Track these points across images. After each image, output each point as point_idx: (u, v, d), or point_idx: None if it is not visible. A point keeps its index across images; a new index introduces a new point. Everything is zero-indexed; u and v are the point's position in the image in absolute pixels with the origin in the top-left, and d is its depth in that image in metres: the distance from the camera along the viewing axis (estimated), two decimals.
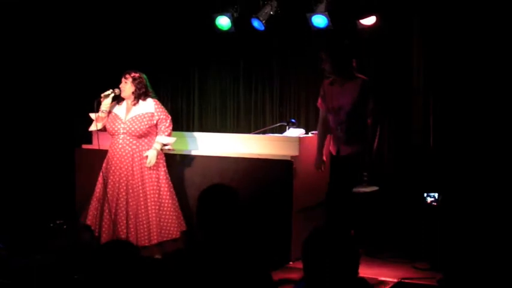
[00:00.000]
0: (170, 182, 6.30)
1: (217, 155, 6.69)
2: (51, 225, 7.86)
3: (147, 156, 6.15)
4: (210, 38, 8.06)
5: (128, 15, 8.04)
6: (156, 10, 7.99)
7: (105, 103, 6.19)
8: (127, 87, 6.17)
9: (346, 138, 6.07)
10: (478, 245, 5.55)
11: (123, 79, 6.18)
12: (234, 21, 7.45)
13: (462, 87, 6.48)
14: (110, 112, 6.26)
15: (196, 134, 7.08)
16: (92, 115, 6.28)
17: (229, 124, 8.31)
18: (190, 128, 8.29)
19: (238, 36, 7.78)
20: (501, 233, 5.67)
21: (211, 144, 6.86)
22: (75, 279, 5.54)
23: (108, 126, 6.23)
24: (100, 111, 6.22)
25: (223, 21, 7.39)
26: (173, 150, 6.45)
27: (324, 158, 6.32)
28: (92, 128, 6.37)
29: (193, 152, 6.78)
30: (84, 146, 7.46)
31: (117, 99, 6.26)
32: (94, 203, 6.25)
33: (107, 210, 6.15)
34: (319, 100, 6.28)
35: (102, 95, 6.18)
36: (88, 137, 7.48)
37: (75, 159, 7.44)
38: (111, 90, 6.19)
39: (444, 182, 6.31)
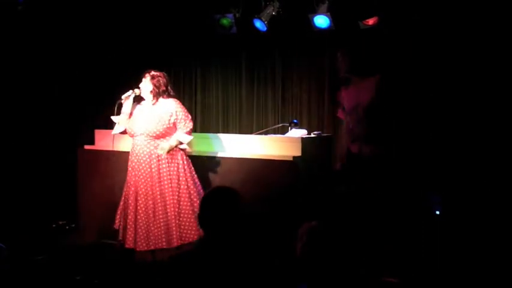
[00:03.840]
0: (193, 184, 6.15)
1: (219, 156, 6.67)
2: (54, 225, 7.90)
3: (161, 155, 6.04)
4: (212, 38, 8.05)
5: (131, 17, 8.03)
6: (159, 11, 7.97)
7: (127, 105, 6.10)
8: (146, 86, 6.05)
9: (367, 136, 5.98)
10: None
11: (142, 77, 6.08)
12: (236, 22, 7.49)
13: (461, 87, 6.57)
14: (131, 114, 6.16)
15: (198, 135, 7.01)
16: (114, 118, 6.20)
17: (231, 125, 8.30)
18: (193, 129, 8.01)
19: (240, 37, 7.79)
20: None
21: (213, 145, 6.86)
22: (76, 280, 5.56)
23: (127, 128, 6.13)
24: (122, 113, 6.12)
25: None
26: (190, 151, 6.31)
27: (342, 159, 6.29)
28: (115, 131, 6.23)
29: (195, 153, 6.70)
30: (87, 147, 7.45)
31: (138, 99, 6.16)
32: (121, 205, 6.20)
33: (130, 213, 6.07)
34: (339, 111, 6.27)
35: (123, 97, 6.08)
36: (90, 137, 7.48)
37: (78, 160, 7.44)
38: (131, 91, 6.09)
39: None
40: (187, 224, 6.03)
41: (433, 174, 6.61)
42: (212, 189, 3.52)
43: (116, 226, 6.20)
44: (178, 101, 6.15)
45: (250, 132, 7.58)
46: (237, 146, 6.75)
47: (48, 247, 6.84)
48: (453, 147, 6.61)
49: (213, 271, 3.24)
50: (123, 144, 6.68)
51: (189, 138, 6.09)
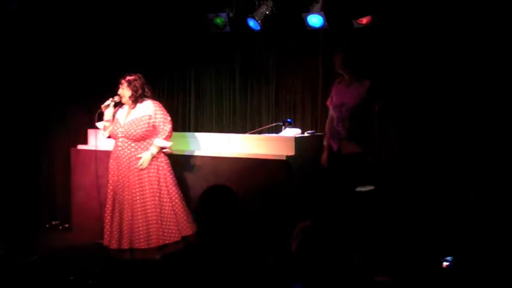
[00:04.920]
0: (173, 184, 6.18)
1: (212, 155, 6.66)
2: (47, 225, 7.92)
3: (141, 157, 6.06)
4: (205, 38, 8.00)
5: (123, 16, 7.96)
6: (152, 10, 7.91)
7: (107, 113, 6.16)
8: (124, 92, 6.10)
9: (347, 136, 6.05)
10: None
11: (119, 85, 6.11)
12: (229, 21, 7.46)
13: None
14: (113, 117, 6.22)
15: (192, 134, 7.03)
16: (99, 124, 6.29)
17: (225, 124, 8.24)
18: (186, 128, 8.22)
19: (234, 36, 7.74)
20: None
21: (207, 144, 6.84)
22: (70, 280, 5.56)
23: (110, 131, 6.20)
24: (104, 121, 6.18)
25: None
26: (171, 152, 6.30)
27: (325, 155, 6.31)
28: (103, 136, 6.35)
29: (189, 152, 6.74)
30: (80, 147, 7.44)
31: (120, 104, 6.21)
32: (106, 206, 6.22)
33: (109, 213, 6.16)
34: (329, 99, 6.32)
35: (102, 106, 6.14)
36: (84, 137, 7.46)
37: (71, 160, 7.42)
38: (110, 99, 6.14)
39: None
40: (168, 224, 6.04)
41: (418, 178, 6.67)
42: (209, 187, 3.61)
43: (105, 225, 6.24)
44: (156, 102, 6.17)
45: (245, 132, 7.53)
46: (230, 146, 6.75)
47: (42, 247, 6.86)
48: (441, 151, 6.63)
49: (208, 269, 3.28)
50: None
51: (168, 144, 6.12)
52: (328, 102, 6.32)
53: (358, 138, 6.02)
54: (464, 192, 6.29)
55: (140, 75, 6.15)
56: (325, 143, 6.30)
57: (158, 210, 6.02)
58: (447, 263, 5.42)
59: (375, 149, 6.04)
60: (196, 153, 6.74)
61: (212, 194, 3.57)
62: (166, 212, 6.05)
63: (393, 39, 6.89)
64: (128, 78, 6.09)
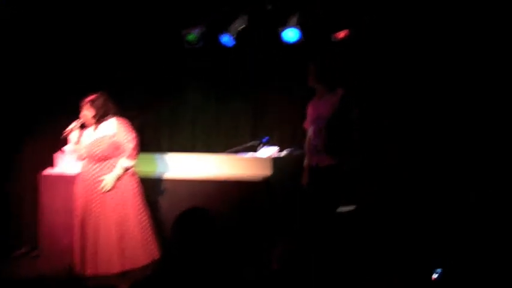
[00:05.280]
0: (141, 207, 6.06)
1: (185, 178, 6.56)
2: (15, 254, 7.69)
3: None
4: (178, 53, 7.91)
5: (95, 31, 7.77)
6: (124, 26, 7.75)
7: (73, 136, 6.09)
8: (87, 113, 6.03)
9: (324, 148, 5.96)
10: None
11: (83, 107, 6.04)
12: (203, 37, 7.39)
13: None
14: (79, 139, 6.15)
15: (165, 155, 6.92)
16: (67, 148, 6.26)
17: (200, 144, 8.15)
18: (158, 149, 7.95)
19: (208, 51, 7.67)
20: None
21: (180, 166, 6.75)
22: None
23: (77, 153, 6.14)
24: (71, 145, 6.12)
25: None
26: (140, 171, 6.24)
27: (305, 174, 6.23)
28: (71, 162, 6.33)
29: (161, 175, 6.63)
30: (48, 171, 7.23)
31: (85, 126, 6.15)
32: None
33: (77, 237, 6.06)
34: (305, 121, 6.28)
35: (67, 130, 6.08)
36: (51, 161, 7.28)
37: (39, 185, 7.18)
38: (74, 123, 6.08)
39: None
40: (134, 249, 5.92)
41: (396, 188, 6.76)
42: (184, 211, 3.53)
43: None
44: (120, 119, 6.08)
45: (221, 151, 7.39)
46: (204, 167, 6.68)
47: (10, 276, 6.75)
48: (441, 151, 6.71)
49: None
50: None
51: (132, 163, 6.01)
52: (306, 125, 6.28)
53: (334, 149, 5.93)
54: (464, 192, 6.38)
55: (102, 93, 6.07)
56: (305, 163, 6.22)
57: (121, 233, 5.89)
58: (436, 275, 5.45)
59: (349, 157, 5.93)
60: (169, 175, 6.65)
61: (187, 217, 3.51)
62: (133, 236, 5.93)
63: (372, 50, 6.98)
64: (89, 98, 6.01)
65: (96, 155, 5.95)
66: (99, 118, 6.02)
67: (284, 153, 6.85)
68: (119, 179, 5.94)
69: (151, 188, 6.45)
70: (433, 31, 6.64)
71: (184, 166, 6.76)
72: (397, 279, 5.89)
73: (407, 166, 6.81)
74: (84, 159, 6.03)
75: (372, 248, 6.27)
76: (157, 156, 6.92)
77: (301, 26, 6.92)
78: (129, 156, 5.97)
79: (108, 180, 5.92)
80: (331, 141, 5.93)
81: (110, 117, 6.05)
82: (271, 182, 6.26)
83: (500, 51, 6.43)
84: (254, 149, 7.15)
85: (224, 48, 7.40)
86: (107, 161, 5.98)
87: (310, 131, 6.16)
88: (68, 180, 6.58)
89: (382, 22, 6.85)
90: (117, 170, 5.96)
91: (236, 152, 7.11)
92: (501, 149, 6.42)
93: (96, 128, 6.05)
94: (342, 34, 6.94)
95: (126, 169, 5.99)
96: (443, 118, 6.69)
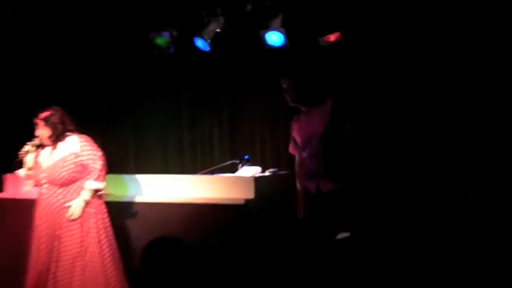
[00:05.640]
0: (107, 238, 5.65)
1: (157, 201, 6.17)
2: None
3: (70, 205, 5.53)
4: (146, 61, 7.65)
5: (51, 38, 7.50)
6: (82, 30, 7.46)
7: (28, 160, 5.65)
8: (42, 132, 5.60)
9: (324, 171, 5.41)
10: None
11: (36, 126, 5.64)
12: (173, 41, 7.15)
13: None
14: (36, 162, 5.75)
15: (132, 177, 6.54)
16: (20, 172, 5.83)
17: (171, 164, 7.93)
18: (125, 170, 7.59)
19: (180, 58, 7.44)
20: None
21: (150, 189, 6.39)
22: None
23: (33, 178, 5.72)
24: (26, 169, 5.69)
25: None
26: (108, 194, 5.89)
27: (301, 203, 5.78)
28: (27, 187, 5.87)
29: (129, 198, 6.26)
30: None
31: (42, 146, 5.72)
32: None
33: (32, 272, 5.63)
34: (290, 145, 5.75)
35: (21, 153, 5.66)
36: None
37: None
38: (28, 145, 5.66)
39: None
40: (96, 283, 5.52)
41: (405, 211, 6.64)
42: (152, 240, 3.66)
43: None
44: (83, 137, 5.72)
45: (194, 172, 7.09)
46: (178, 189, 6.30)
47: None
48: (441, 151, 6.61)
49: None
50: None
51: (101, 185, 5.64)
52: (291, 149, 5.79)
53: (336, 172, 5.45)
54: (464, 192, 6.33)
55: (57, 108, 5.68)
56: (298, 187, 5.75)
57: (84, 267, 5.51)
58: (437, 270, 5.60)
59: (352, 178, 5.50)
60: (138, 199, 6.28)
61: (154, 248, 3.74)
62: (94, 269, 5.53)
63: (370, 50, 6.82)
64: (43, 115, 5.61)
65: (59, 179, 5.53)
66: (57, 137, 5.60)
67: (267, 173, 6.44)
68: (87, 204, 5.57)
69: (119, 213, 6.08)
70: (433, 31, 6.55)
71: (155, 188, 6.40)
72: (397, 279, 5.88)
73: (407, 166, 6.70)
74: (43, 184, 5.59)
75: (372, 248, 6.22)
76: (124, 177, 6.62)
77: (286, 28, 6.69)
78: (98, 178, 5.59)
79: (76, 206, 5.52)
80: (331, 162, 5.45)
81: (70, 135, 5.64)
82: (253, 206, 5.87)
83: (500, 51, 6.37)
84: (233, 168, 6.79)
85: (199, 54, 7.15)
86: (72, 185, 5.58)
87: (302, 155, 5.70)
88: (19, 206, 6.29)
89: (380, 21, 6.69)
90: (85, 194, 5.56)
91: (213, 172, 6.77)
92: (501, 149, 6.35)
93: (54, 148, 5.63)
94: (332, 37, 6.68)
95: (95, 192, 5.61)
96: (443, 118, 6.60)
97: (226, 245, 5.81)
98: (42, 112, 5.64)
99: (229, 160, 7.02)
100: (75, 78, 7.70)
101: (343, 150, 5.46)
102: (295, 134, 5.68)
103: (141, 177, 6.55)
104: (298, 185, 5.73)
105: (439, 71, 6.63)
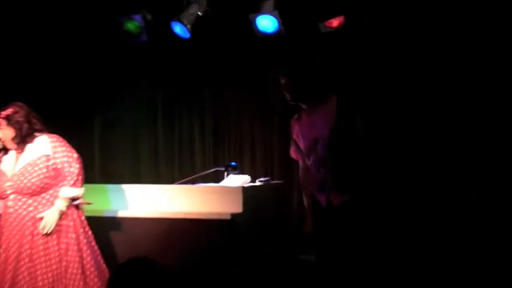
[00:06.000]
0: (89, 255, 5.23)
1: (128, 216, 5.86)
2: None
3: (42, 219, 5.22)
4: (114, 51, 7.24)
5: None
6: (36, 17, 6.93)
7: None
8: (4, 133, 5.16)
9: (335, 180, 5.08)
10: None
11: None
12: (146, 27, 6.73)
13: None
14: None
15: (98, 187, 6.12)
16: None
17: (143, 172, 7.67)
18: (90, 179, 6.80)
19: (154, 47, 7.09)
20: None
21: (119, 201, 6.00)
22: None
23: None
24: None
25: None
26: (89, 203, 5.41)
27: (309, 218, 5.39)
28: None
29: (92, 213, 5.62)
30: None
31: (4, 150, 5.28)
32: None
33: None
34: (292, 148, 5.42)
35: None
36: None
37: None
38: None
39: None
40: None
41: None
42: (123, 263, 3.15)
43: None
44: (54, 136, 5.25)
45: (172, 182, 6.83)
46: (153, 201, 5.90)
47: None
48: (440, 151, 6.46)
49: None
50: None
51: (79, 192, 5.17)
52: (292, 154, 5.45)
53: (350, 180, 5.13)
54: (464, 192, 6.29)
55: (21, 104, 5.20)
56: (305, 202, 5.34)
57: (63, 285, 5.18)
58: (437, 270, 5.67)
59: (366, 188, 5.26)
60: (106, 214, 5.93)
61: (122, 273, 3.04)
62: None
63: (373, 42, 6.58)
64: (4, 113, 5.15)
65: (28, 187, 5.13)
66: (23, 138, 5.15)
67: (258, 183, 6.14)
68: (63, 215, 5.18)
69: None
70: (433, 30, 6.38)
71: (124, 200, 6.02)
72: (397, 279, 5.83)
73: (407, 166, 6.60)
74: (9, 195, 5.17)
75: (372, 248, 5.72)
76: (88, 187, 5.85)
77: (280, 11, 6.36)
78: (74, 184, 5.16)
79: (49, 218, 5.10)
80: (342, 170, 5.14)
81: (38, 135, 5.18)
82: (241, 221, 5.57)
83: (500, 51, 6.29)
84: (218, 177, 6.55)
85: (176, 41, 6.79)
86: (44, 194, 5.16)
87: (307, 162, 5.31)
88: None
89: (382, 15, 6.43)
90: (60, 204, 5.13)
91: (194, 181, 6.50)
92: (501, 149, 6.33)
93: (21, 151, 5.18)
94: (335, 22, 6.32)
95: (72, 200, 5.18)
96: (443, 118, 6.51)
97: (208, 267, 5.53)
98: (3, 110, 5.22)
99: (212, 167, 6.85)
100: (35, 72, 7.28)
101: (353, 154, 5.17)
102: (297, 137, 5.37)
103: (109, 188, 6.20)
104: (304, 196, 5.44)
105: (439, 71, 6.53)
